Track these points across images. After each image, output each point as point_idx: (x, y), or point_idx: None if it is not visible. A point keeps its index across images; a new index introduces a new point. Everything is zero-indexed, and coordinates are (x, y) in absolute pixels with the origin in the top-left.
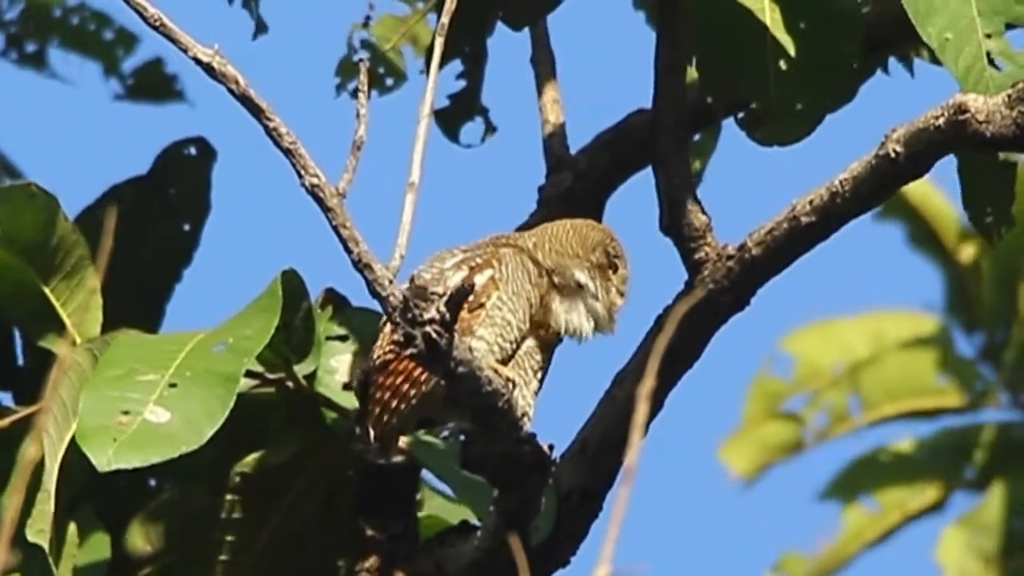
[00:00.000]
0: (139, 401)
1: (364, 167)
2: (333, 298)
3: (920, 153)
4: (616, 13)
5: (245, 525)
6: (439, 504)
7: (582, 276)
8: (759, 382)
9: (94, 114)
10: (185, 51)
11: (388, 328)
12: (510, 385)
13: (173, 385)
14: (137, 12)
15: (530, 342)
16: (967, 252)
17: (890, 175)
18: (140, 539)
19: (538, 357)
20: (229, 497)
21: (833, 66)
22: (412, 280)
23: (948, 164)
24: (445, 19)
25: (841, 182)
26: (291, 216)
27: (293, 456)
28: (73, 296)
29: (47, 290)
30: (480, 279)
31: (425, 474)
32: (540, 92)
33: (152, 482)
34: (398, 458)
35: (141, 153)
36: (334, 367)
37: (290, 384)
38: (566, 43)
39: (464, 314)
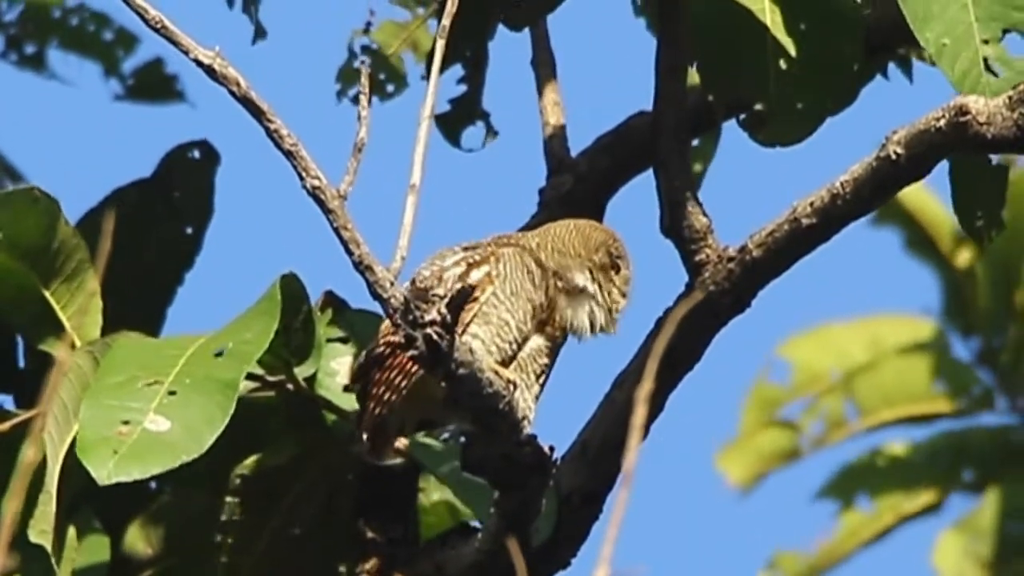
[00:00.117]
0: (139, 410)
1: (365, 169)
2: (333, 301)
3: (921, 155)
4: (616, 15)
5: (245, 527)
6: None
7: (583, 277)
8: (756, 389)
9: (94, 115)
10: (186, 53)
11: (386, 323)
12: (511, 387)
13: (173, 393)
14: (138, 14)
15: (533, 344)
16: (963, 257)
17: (891, 177)
18: (140, 541)
19: (541, 360)
20: (229, 499)
21: (833, 66)
22: (413, 282)
23: (943, 169)
24: (446, 21)
25: (842, 184)
26: (292, 219)
27: (293, 458)
28: (73, 299)
29: (48, 294)
30: (476, 274)
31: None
32: (541, 94)
33: (152, 485)
34: (396, 460)
35: (141, 154)
36: (334, 369)
37: (290, 386)
38: (566, 46)
39: None
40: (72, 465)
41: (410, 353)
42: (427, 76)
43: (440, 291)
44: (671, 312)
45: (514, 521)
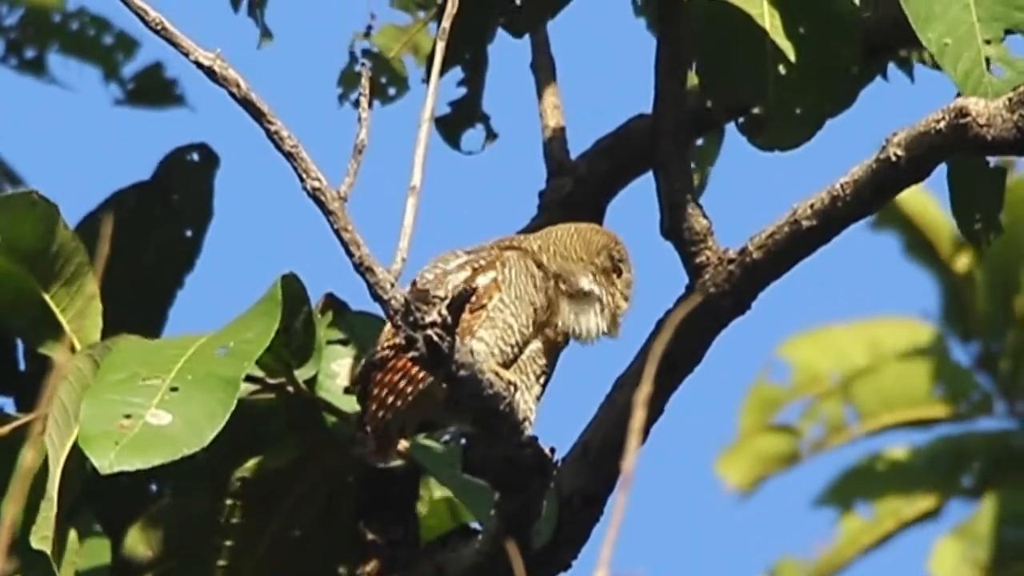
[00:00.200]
0: (140, 405)
1: (365, 171)
2: (333, 303)
3: (921, 157)
4: (616, 18)
5: (245, 530)
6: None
7: (586, 281)
8: (756, 388)
9: (94, 119)
10: (186, 55)
11: (388, 327)
12: (511, 388)
13: (174, 389)
14: (138, 16)
15: (534, 346)
16: (962, 261)
17: (891, 179)
18: (140, 544)
19: (541, 361)
20: (229, 502)
21: (832, 70)
22: (414, 283)
23: (942, 173)
24: (446, 23)
25: (842, 186)
26: (291, 221)
27: (293, 461)
28: (73, 302)
29: (47, 297)
30: (483, 280)
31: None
32: (540, 97)
33: (152, 487)
34: (397, 462)
35: (141, 158)
36: (335, 371)
37: (291, 389)
38: (566, 49)
39: (465, 315)
40: (73, 468)
41: (411, 354)
42: (427, 79)
43: (440, 293)
44: (671, 315)
45: (515, 523)
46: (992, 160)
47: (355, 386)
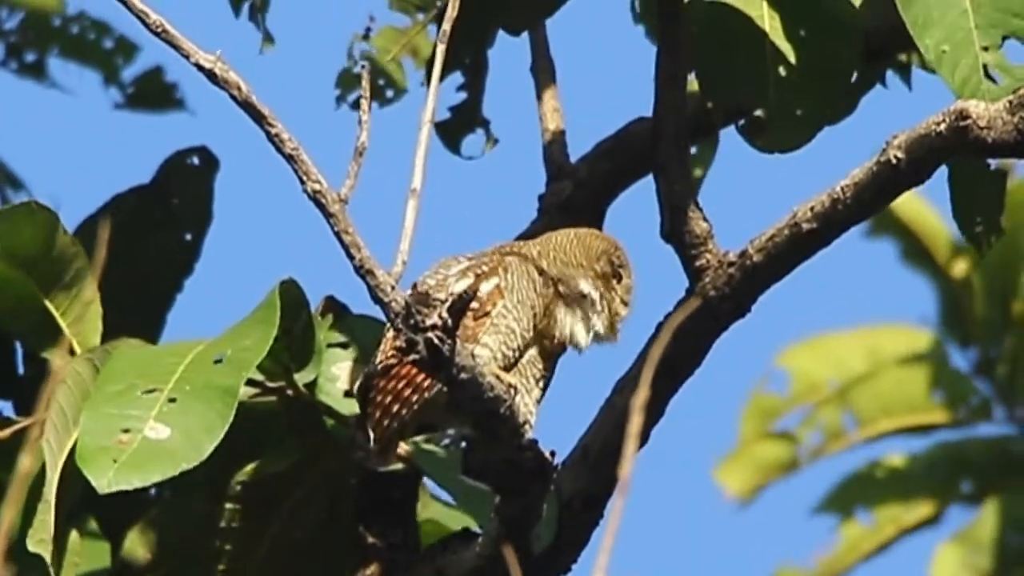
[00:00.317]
0: (139, 418)
1: (366, 174)
2: (333, 306)
3: (921, 159)
4: (616, 21)
5: (246, 533)
6: (438, 509)
7: (585, 286)
8: (754, 398)
9: (94, 123)
10: (187, 57)
11: (390, 333)
12: (512, 391)
13: (172, 400)
14: (139, 18)
15: (534, 350)
16: (960, 267)
17: (891, 181)
18: (140, 547)
19: (541, 365)
20: (229, 506)
21: (832, 72)
22: (414, 286)
23: (941, 180)
24: (446, 25)
25: (842, 188)
26: (290, 225)
27: (294, 464)
28: (73, 307)
29: (47, 302)
30: (486, 287)
31: (425, 480)
32: (540, 101)
33: (152, 491)
34: (398, 465)
35: (141, 162)
36: (335, 375)
37: (290, 392)
38: (566, 52)
39: (469, 322)
40: (73, 471)
41: (411, 357)
42: (427, 82)
43: (441, 295)
44: (671, 318)
45: (515, 526)
46: (992, 163)
47: (357, 392)
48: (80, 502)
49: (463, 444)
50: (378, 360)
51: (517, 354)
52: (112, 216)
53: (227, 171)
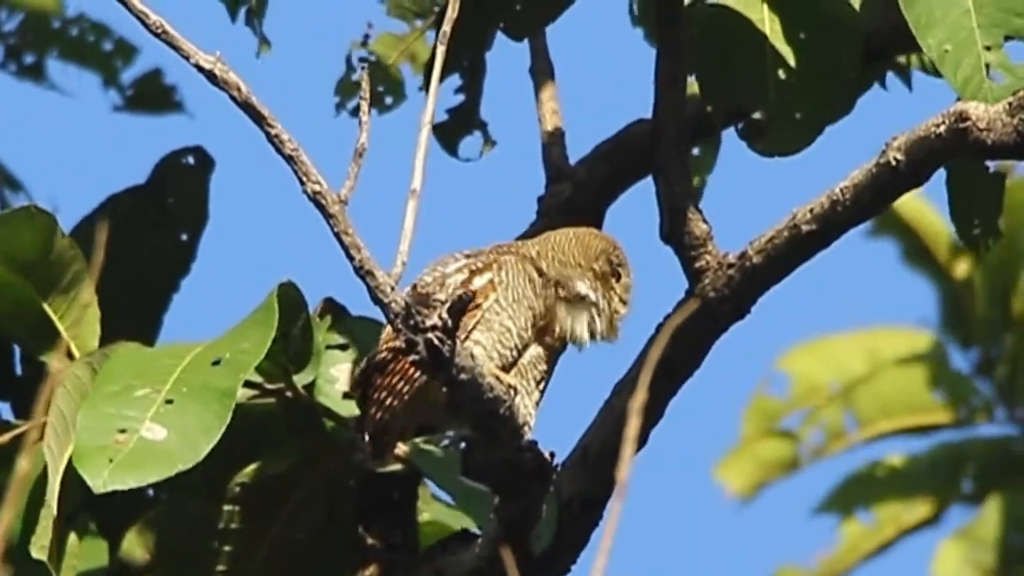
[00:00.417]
0: (135, 418)
1: (365, 175)
2: (332, 307)
3: (921, 161)
4: (615, 23)
5: (245, 535)
6: (440, 510)
7: (584, 286)
8: (755, 401)
9: (93, 125)
10: (187, 58)
11: (387, 329)
12: (511, 392)
13: (169, 401)
14: (139, 19)
15: (533, 351)
16: (961, 268)
17: (891, 183)
18: (138, 548)
19: (541, 367)
20: (228, 507)
21: (832, 74)
22: (414, 287)
23: (941, 179)
24: (447, 27)
25: (842, 190)
26: (288, 226)
27: (293, 466)
28: (70, 311)
29: (45, 306)
30: (479, 281)
31: (426, 482)
32: (539, 102)
33: (150, 492)
34: (396, 466)
35: (140, 163)
36: (334, 376)
37: (289, 394)
38: (565, 54)
39: None
40: (73, 473)
41: (411, 358)
42: (425, 87)
43: (441, 296)
44: (670, 319)
45: (514, 527)
46: (991, 165)
47: (355, 391)
48: (79, 502)
49: (462, 445)
50: (375, 352)
51: (515, 354)
52: (108, 217)
53: (225, 173)
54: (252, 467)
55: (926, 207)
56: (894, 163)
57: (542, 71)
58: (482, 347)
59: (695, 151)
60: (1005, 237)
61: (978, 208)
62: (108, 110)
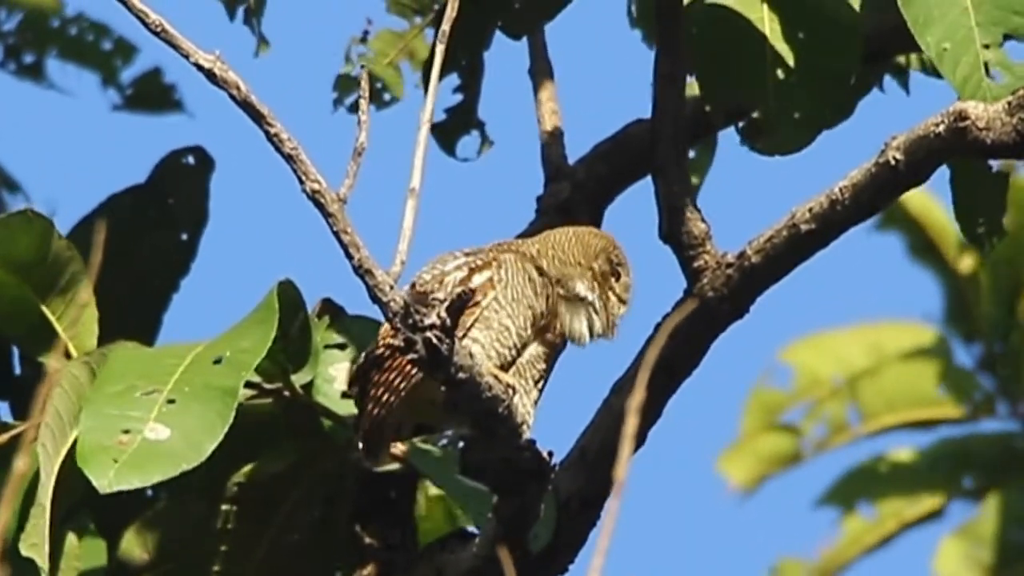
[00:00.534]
0: (138, 419)
1: (364, 175)
2: (330, 307)
3: (920, 160)
4: (614, 23)
5: (243, 534)
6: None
7: (583, 284)
8: (757, 393)
9: (92, 125)
10: (186, 57)
11: (385, 326)
12: (510, 391)
13: (172, 401)
14: (138, 18)
15: (532, 350)
16: (967, 263)
17: (890, 182)
18: (137, 548)
19: (540, 366)
20: (226, 507)
21: (831, 75)
22: (413, 285)
23: (946, 174)
24: (446, 26)
25: (841, 189)
26: (287, 225)
27: (291, 465)
28: (68, 311)
29: (43, 306)
30: (478, 279)
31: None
32: (538, 102)
33: (149, 491)
34: (393, 465)
35: (139, 163)
36: (332, 376)
37: (287, 393)
38: (564, 54)
39: None
40: (69, 472)
41: (410, 357)
42: (423, 85)
43: (440, 295)
44: (668, 319)
45: (512, 526)
46: (995, 163)
47: (352, 388)
48: (78, 502)
49: (461, 443)
50: (372, 348)
51: (514, 352)
52: (108, 216)
53: (224, 172)
54: (250, 467)
55: (933, 202)
56: (893, 162)
57: (541, 71)
58: (480, 345)
59: (691, 154)
60: (1011, 234)
61: (982, 207)
62: (107, 109)
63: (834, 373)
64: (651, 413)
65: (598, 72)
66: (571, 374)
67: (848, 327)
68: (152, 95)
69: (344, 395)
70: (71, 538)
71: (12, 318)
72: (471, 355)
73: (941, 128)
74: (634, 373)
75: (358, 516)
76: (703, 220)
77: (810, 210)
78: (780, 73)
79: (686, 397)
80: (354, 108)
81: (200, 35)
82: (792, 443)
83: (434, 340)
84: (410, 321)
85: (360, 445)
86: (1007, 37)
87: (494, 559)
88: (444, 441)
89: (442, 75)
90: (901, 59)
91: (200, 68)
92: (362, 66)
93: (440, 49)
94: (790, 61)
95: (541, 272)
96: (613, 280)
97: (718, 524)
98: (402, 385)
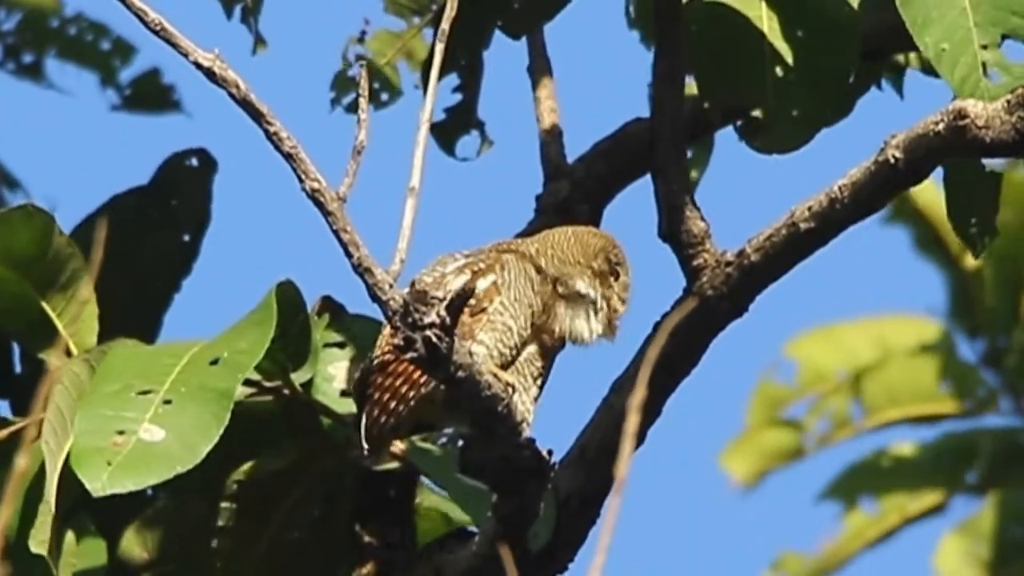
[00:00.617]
0: (133, 419)
1: (364, 173)
2: (330, 305)
3: (920, 159)
4: (613, 22)
5: (243, 533)
6: (438, 500)
7: (583, 284)
8: (762, 387)
9: (91, 124)
10: (186, 55)
11: (387, 329)
12: (509, 390)
13: (168, 402)
14: (137, 17)
15: (531, 348)
16: (971, 258)
17: (889, 181)
18: (136, 546)
19: (538, 364)
20: (226, 505)
21: (830, 73)
22: (413, 284)
23: None
24: (445, 25)
25: (840, 188)
26: (288, 225)
27: (290, 464)
28: (69, 308)
29: (44, 303)
30: (483, 284)
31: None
32: (537, 101)
33: (149, 491)
34: (393, 464)
35: (138, 163)
36: (331, 374)
37: (287, 392)
38: (563, 52)
39: (466, 318)
40: (69, 470)
41: (409, 355)
42: (422, 84)
43: (439, 294)
44: (668, 318)
45: (512, 525)
46: (989, 163)
47: (354, 391)
48: (77, 500)
49: (460, 442)
50: (375, 355)
51: (514, 352)
52: (110, 217)
53: (224, 172)
54: (249, 465)
55: (940, 196)
56: (893, 161)
57: (540, 70)
58: (484, 346)
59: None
60: (1015, 229)
61: (976, 206)
62: (106, 109)
63: (838, 367)
64: (651, 412)
65: (597, 71)
66: (570, 373)
67: (853, 321)
68: (151, 95)
69: (343, 393)
70: (70, 537)
71: (12, 313)
72: (470, 354)
73: (940, 127)
74: (634, 372)
75: (357, 515)
76: (702, 219)
77: (809, 208)
78: (779, 71)
79: (690, 393)
80: (351, 107)
81: (197, 34)
82: (795, 438)
83: (433, 339)
84: (409, 320)
85: (360, 444)
86: (1005, 38)
87: (493, 558)
88: (444, 439)
89: (441, 75)
90: (900, 58)
91: (199, 67)
92: (361, 65)
93: (440, 48)
94: (789, 59)
95: (540, 271)
96: (612, 279)
97: (720, 519)
98: (411, 394)
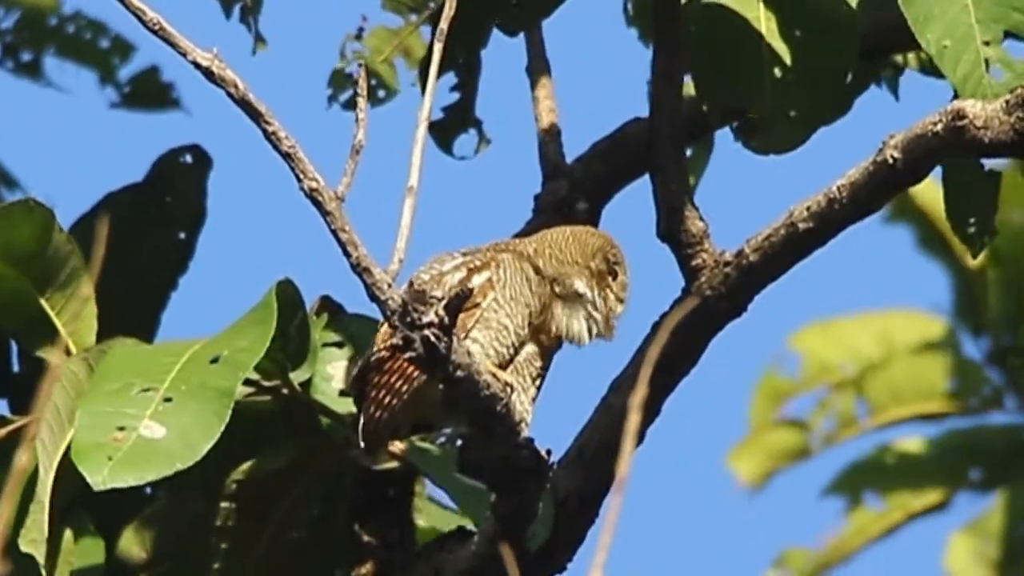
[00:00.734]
0: (134, 416)
1: (362, 173)
2: (329, 305)
3: (918, 159)
4: (612, 22)
5: (241, 533)
6: (436, 513)
7: (581, 283)
8: (766, 380)
9: (90, 122)
10: (184, 55)
11: (384, 328)
12: (508, 389)
13: (168, 399)
14: (136, 16)
15: (529, 348)
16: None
17: (888, 181)
18: (135, 546)
19: (537, 363)
20: (225, 504)
21: (828, 74)
22: (411, 284)
23: None
24: (444, 24)
25: (839, 188)
26: (285, 223)
27: (289, 463)
28: (68, 306)
29: (42, 301)
30: (477, 280)
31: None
32: (536, 100)
33: (148, 489)
34: (393, 464)
35: (137, 161)
36: (330, 374)
37: (286, 391)
38: (562, 52)
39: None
40: (68, 469)
41: (408, 355)
42: (420, 82)
43: (438, 293)
44: (666, 317)
45: (510, 525)
46: (989, 162)
47: (352, 389)
48: (75, 500)
49: (459, 441)
50: (373, 352)
51: (512, 351)
52: (107, 214)
53: (222, 171)
54: (249, 464)
55: (941, 195)
56: (891, 161)
57: (539, 69)
58: (480, 345)
59: (687, 152)
60: (1020, 227)
61: (974, 206)
62: (105, 107)
63: (842, 360)
64: (649, 412)
65: (596, 70)
66: (569, 372)
67: (857, 315)
68: (149, 93)
69: (342, 393)
70: (67, 536)
71: (11, 311)
72: (469, 353)
73: (939, 127)
74: (633, 371)
75: (357, 514)
76: (701, 218)
77: (808, 208)
78: (777, 71)
79: (695, 393)
80: (348, 105)
81: (197, 33)
82: (800, 438)
83: (432, 338)
84: (408, 319)
85: (359, 443)
86: (1007, 34)
87: (493, 557)
88: (442, 439)
89: (439, 73)
90: (898, 57)
91: (198, 66)
92: (359, 64)
93: (438, 47)
94: (787, 59)
95: (538, 271)
96: (610, 279)
97: (725, 518)
98: (404, 388)
